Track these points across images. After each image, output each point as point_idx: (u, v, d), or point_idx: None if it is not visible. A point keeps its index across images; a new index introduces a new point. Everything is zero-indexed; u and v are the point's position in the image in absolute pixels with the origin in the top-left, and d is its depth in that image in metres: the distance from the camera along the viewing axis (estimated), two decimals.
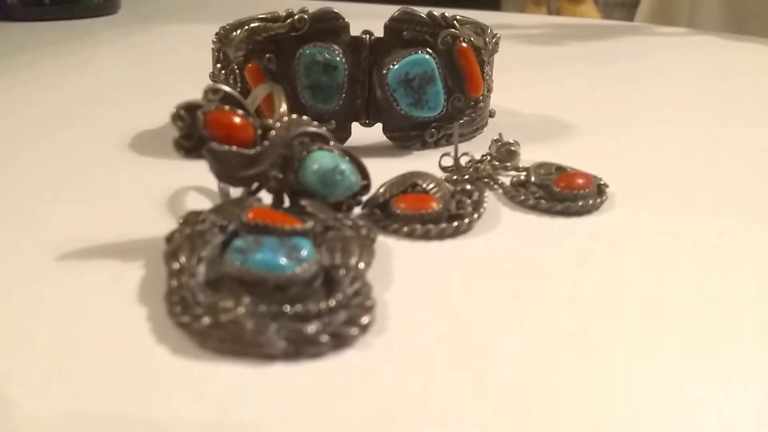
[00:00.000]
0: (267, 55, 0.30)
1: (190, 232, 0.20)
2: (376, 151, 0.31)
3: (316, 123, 0.23)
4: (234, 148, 0.21)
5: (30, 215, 0.25)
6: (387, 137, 0.32)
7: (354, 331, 0.17)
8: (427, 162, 0.28)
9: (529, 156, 0.29)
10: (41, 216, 0.25)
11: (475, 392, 0.16)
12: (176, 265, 0.19)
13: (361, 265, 0.20)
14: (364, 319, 0.18)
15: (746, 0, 0.85)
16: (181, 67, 0.49)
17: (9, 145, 0.32)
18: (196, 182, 0.27)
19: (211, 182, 0.26)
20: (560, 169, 0.27)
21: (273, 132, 0.22)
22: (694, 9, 0.90)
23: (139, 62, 0.53)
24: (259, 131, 0.22)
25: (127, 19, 0.67)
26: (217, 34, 0.31)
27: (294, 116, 0.23)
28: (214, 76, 0.32)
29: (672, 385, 0.16)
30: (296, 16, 0.29)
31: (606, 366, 0.17)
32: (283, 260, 0.18)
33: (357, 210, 0.24)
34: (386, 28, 0.31)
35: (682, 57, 0.55)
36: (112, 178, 0.28)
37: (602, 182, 0.26)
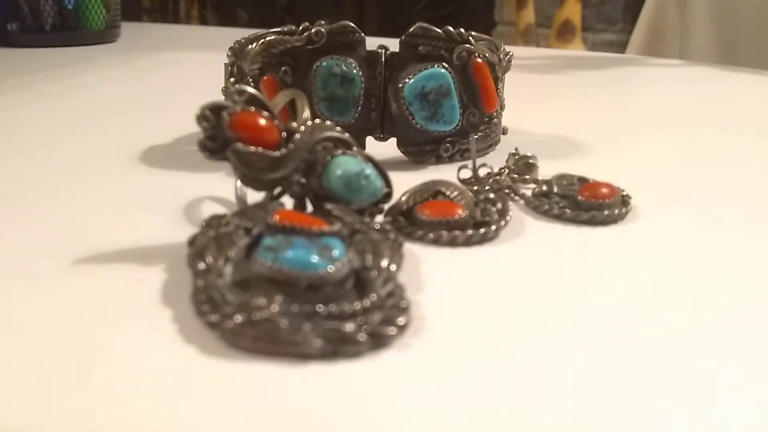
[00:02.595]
0: (283, 68, 0.30)
1: (215, 234, 0.20)
2: (390, 165, 0.30)
3: (339, 128, 0.22)
4: (260, 149, 0.21)
5: (40, 222, 0.24)
6: (401, 152, 0.31)
7: (392, 330, 0.17)
8: (442, 176, 0.27)
9: (546, 171, 0.28)
10: (51, 222, 0.24)
11: (518, 393, 0.15)
12: (202, 265, 0.18)
13: (393, 267, 0.19)
14: (401, 320, 0.17)
15: (736, 35, 0.86)
16: (182, 89, 0.48)
17: (18, 158, 0.32)
18: (208, 193, 0.26)
19: (225, 192, 0.26)
20: (582, 179, 0.26)
21: (297, 135, 0.22)
22: (684, 44, 0.92)
23: (141, 84, 0.52)
24: (284, 134, 0.22)
25: (126, 47, 0.68)
26: (231, 48, 0.31)
27: (317, 121, 0.22)
28: (226, 91, 0.32)
29: (711, 391, 0.16)
30: (313, 30, 0.29)
31: (640, 373, 0.16)
32: (315, 258, 0.17)
33: (379, 218, 0.23)
34: (402, 43, 0.30)
35: (680, 84, 0.55)
36: (124, 189, 0.28)
37: (625, 193, 0.26)
